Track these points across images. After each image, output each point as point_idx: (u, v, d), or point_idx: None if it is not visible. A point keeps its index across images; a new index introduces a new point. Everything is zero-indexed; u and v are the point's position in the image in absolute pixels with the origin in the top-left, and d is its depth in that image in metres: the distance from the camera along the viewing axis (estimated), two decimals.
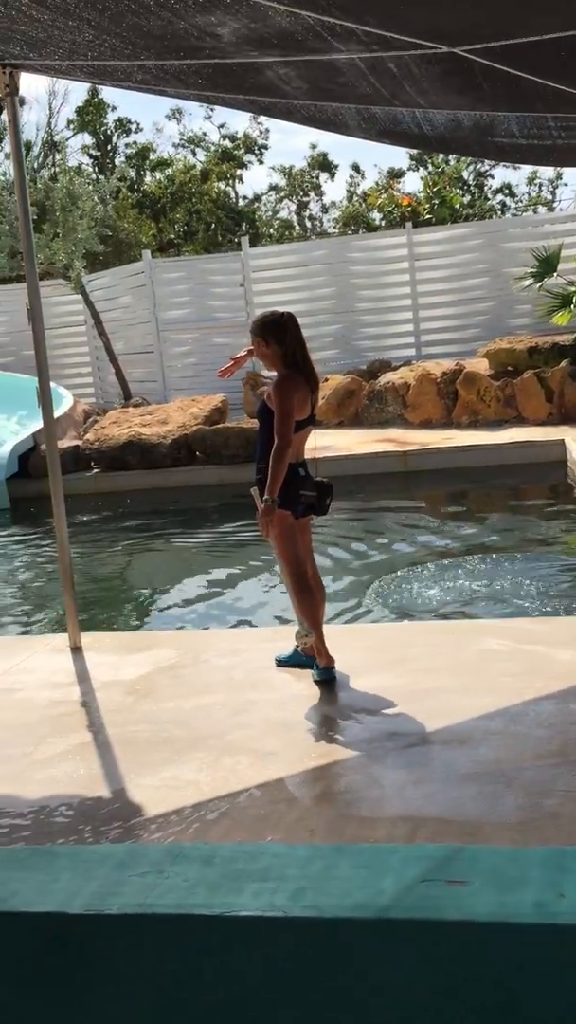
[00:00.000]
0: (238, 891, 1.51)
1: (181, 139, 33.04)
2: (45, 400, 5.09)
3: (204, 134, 32.86)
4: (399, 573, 6.80)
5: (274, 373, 4.25)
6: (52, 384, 5.62)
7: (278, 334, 4.14)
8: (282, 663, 4.44)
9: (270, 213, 32.93)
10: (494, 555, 7.02)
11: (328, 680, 4.18)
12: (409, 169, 29.29)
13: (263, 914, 1.42)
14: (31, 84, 41.06)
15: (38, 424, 12.21)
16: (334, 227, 30.08)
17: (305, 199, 32.18)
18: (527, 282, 13.51)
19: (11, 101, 4.67)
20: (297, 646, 4.41)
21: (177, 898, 1.54)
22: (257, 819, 3.05)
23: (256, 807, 3.14)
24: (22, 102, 4.85)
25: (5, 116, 4.76)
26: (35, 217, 14.41)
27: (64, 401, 13.62)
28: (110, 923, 1.54)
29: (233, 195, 31.65)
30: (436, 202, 20.67)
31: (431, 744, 3.54)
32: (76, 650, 4.96)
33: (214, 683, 4.30)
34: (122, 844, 2.52)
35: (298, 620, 4.44)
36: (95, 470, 11.73)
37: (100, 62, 4.11)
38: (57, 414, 10.59)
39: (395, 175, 29.25)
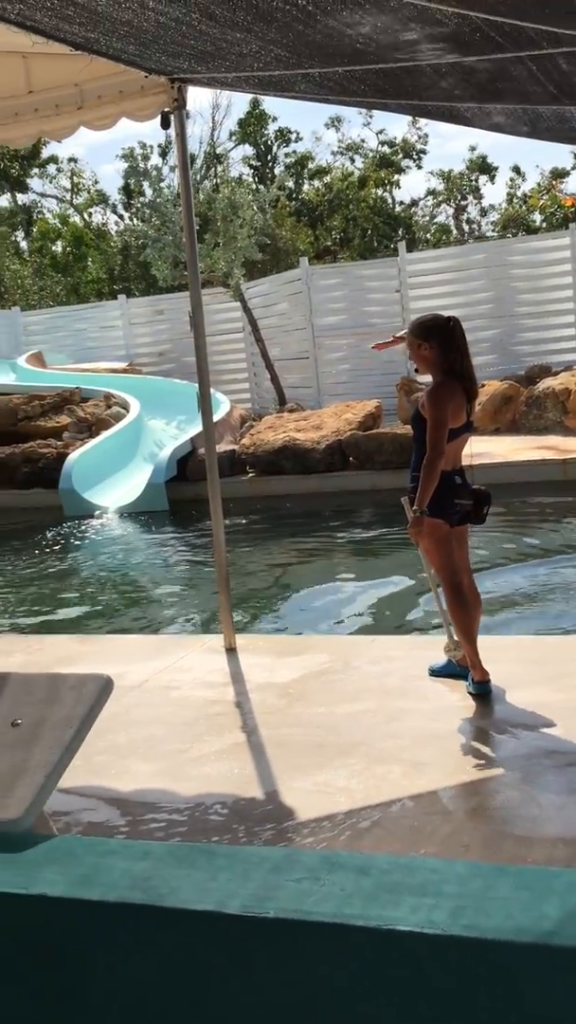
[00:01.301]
0: (395, 904, 1.49)
1: (339, 147, 33.22)
2: (205, 405, 5.19)
3: (363, 141, 32.91)
4: (557, 583, 6.59)
5: (427, 378, 4.18)
6: (211, 390, 5.72)
7: (444, 339, 4.02)
8: (435, 673, 4.37)
9: (427, 218, 32.67)
10: None
11: (483, 693, 4.08)
12: (573, 168, 28.47)
13: (421, 930, 1.39)
14: (195, 98, 42.23)
15: (196, 429, 12.54)
16: (493, 230, 29.55)
17: (463, 202, 31.75)
18: None
19: (179, 115, 4.80)
20: (452, 658, 4.34)
21: (333, 907, 1.53)
22: (410, 831, 3.01)
23: (409, 818, 3.10)
24: (187, 116, 4.98)
25: (172, 130, 4.89)
26: (198, 227, 14.82)
27: (222, 406, 13.91)
28: (266, 926, 1.54)
29: (390, 201, 31.58)
30: None
31: None
32: (231, 651, 5.05)
33: (365, 690, 4.28)
34: (278, 848, 2.54)
35: (447, 632, 4.36)
36: (250, 474, 11.92)
37: (265, 73, 4.17)
38: (215, 419, 10.84)
39: (558, 175, 28.49)
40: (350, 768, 3.48)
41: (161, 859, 1.78)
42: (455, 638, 4.28)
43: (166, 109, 4.76)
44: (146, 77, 4.59)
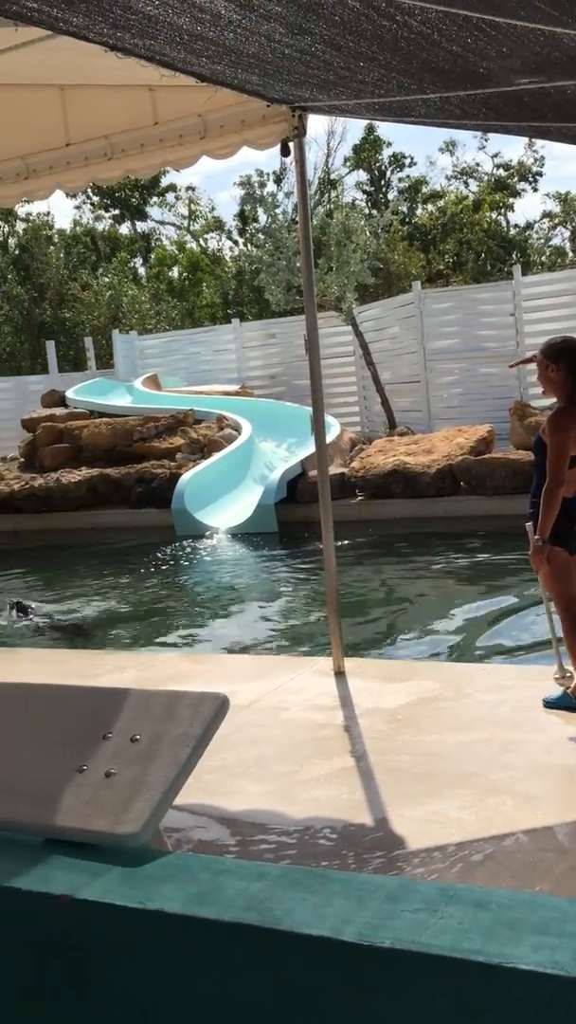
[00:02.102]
0: (516, 942, 1.45)
1: (454, 170, 33.14)
2: (318, 428, 5.22)
3: (477, 164, 32.75)
4: None
5: (551, 401, 4.11)
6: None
7: (572, 363, 3.96)
8: (551, 704, 4.27)
9: (542, 240, 32.22)
10: None
11: None
12: None
13: (545, 970, 1.36)
14: (311, 125, 42.70)
15: (306, 451, 12.61)
16: None
17: None
18: None
19: (299, 142, 4.86)
20: (567, 689, 4.23)
21: (451, 940, 1.51)
22: (524, 865, 2.94)
23: (523, 853, 3.02)
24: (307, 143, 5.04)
25: (289, 157, 4.96)
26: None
27: (332, 429, 13.96)
28: (383, 956, 1.52)
29: (504, 224, 31.28)
30: None
31: None
32: (339, 674, 5.03)
33: (477, 719, 4.21)
34: (393, 877, 2.51)
35: (558, 661, 4.26)
36: (359, 497, 11.91)
37: (385, 99, 4.20)
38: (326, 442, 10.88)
39: None
40: (461, 798, 3.42)
41: (276, 881, 1.78)
42: (565, 667, 4.18)
43: (286, 137, 4.84)
44: (268, 106, 4.68)
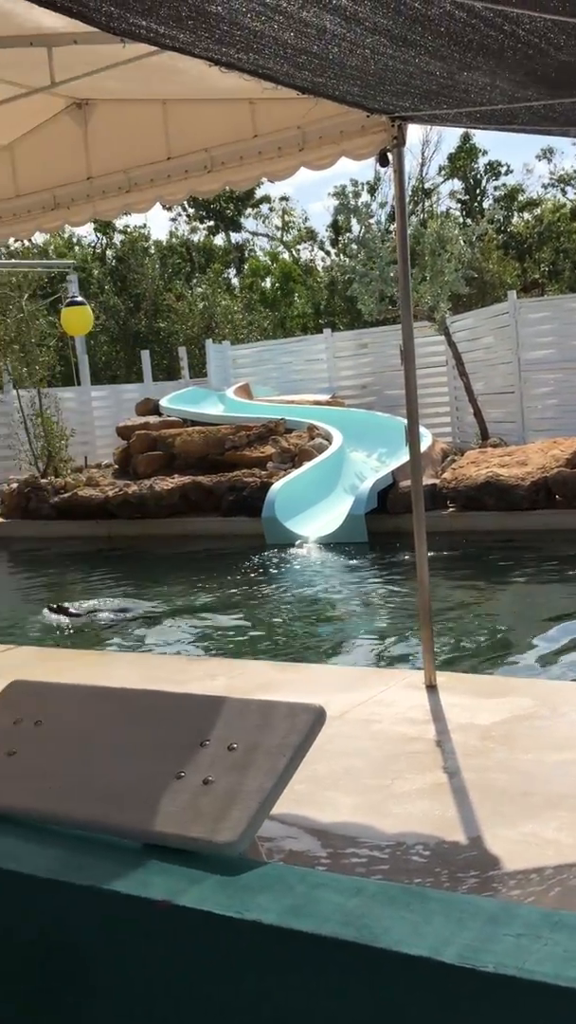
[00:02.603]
0: None
1: (551, 178, 32.62)
2: (413, 439, 5.18)
3: None
4: None
5: None
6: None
7: None
8: None
9: None
10: None
11: None
12: None
13: None
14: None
15: (397, 461, 12.54)
16: None
17: None
18: None
19: (398, 152, 4.85)
20: None
21: (555, 967, 1.47)
22: None
23: None
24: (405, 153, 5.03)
25: (384, 167, 4.94)
26: None
27: (424, 439, 13.86)
28: (483, 980, 1.49)
29: None
30: None
31: None
32: (431, 688, 4.98)
33: (575, 738, 4.11)
34: (494, 899, 2.47)
35: None
36: (451, 509, 11.79)
37: (487, 107, 4.16)
38: None
39: None
40: (560, 820, 3.34)
41: (373, 897, 1.76)
42: None
43: (385, 147, 4.83)
44: (367, 117, 4.68)
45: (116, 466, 16.40)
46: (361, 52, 3.05)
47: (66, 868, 1.98)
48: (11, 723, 2.59)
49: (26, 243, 20.92)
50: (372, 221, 18.23)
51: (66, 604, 8.82)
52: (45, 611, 8.75)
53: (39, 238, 26.49)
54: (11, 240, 9.44)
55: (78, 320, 13.30)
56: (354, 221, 22.70)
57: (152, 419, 16.91)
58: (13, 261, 18.71)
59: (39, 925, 1.96)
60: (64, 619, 8.47)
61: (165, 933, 1.82)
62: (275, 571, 10.63)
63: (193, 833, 2.02)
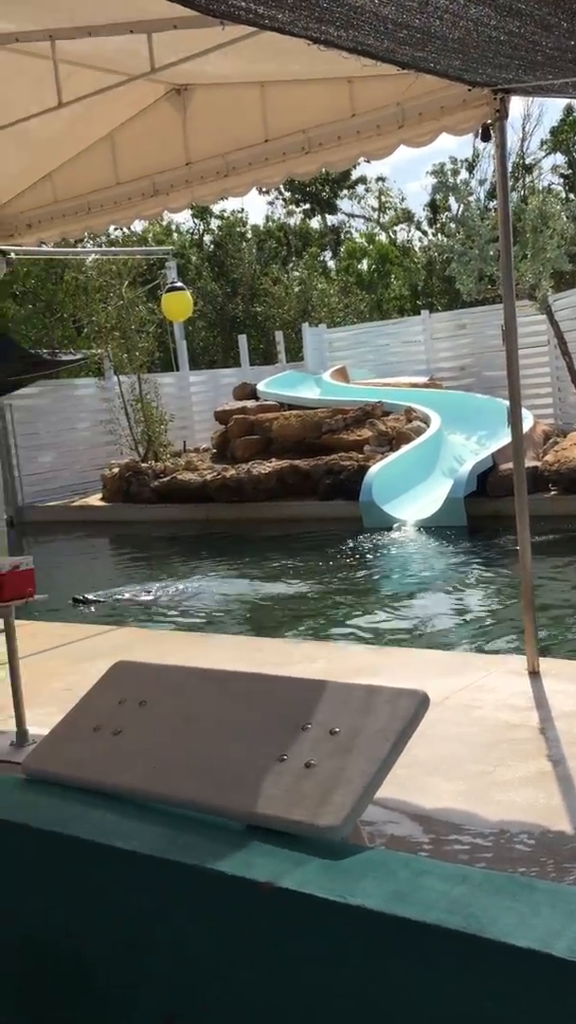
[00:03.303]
0: None
1: None
2: (515, 421, 5.07)
3: None
4: None
5: None
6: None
7: None
8: None
9: None
10: None
11: None
12: None
13: None
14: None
15: (497, 444, 12.32)
16: None
17: None
18: None
19: (500, 126, 4.74)
20: None
21: None
22: None
23: None
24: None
25: (478, 142, 4.83)
26: None
27: (526, 422, 13.57)
28: None
29: None
30: None
31: None
32: (534, 674, 4.89)
33: None
34: None
35: None
36: (552, 492, 11.53)
37: None
38: None
39: None
40: None
41: (479, 886, 1.73)
42: None
43: (487, 121, 4.72)
44: (469, 90, 4.58)
45: (214, 450, 16.56)
46: (464, 24, 2.97)
47: (171, 846, 2.00)
48: (116, 703, 2.63)
49: (125, 231, 21.24)
50: (471, 199, 17.86)
51: (88, 595, 9.10)
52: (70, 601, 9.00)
53: (138, 225, 26.87)
54: (111, 228, 9.58)
55: (178, 306, 13.42)
56: (452, 199, 22.32)
57: (249, 403, 17.00)
58: (114, 249, 19.02)
59: (138, 901, 1.99)
60: (91, 608, 8.77)
61: (267, 915, 1.82)
62: (374, 555, 10.58)
63: (296, 816, 2.02)
